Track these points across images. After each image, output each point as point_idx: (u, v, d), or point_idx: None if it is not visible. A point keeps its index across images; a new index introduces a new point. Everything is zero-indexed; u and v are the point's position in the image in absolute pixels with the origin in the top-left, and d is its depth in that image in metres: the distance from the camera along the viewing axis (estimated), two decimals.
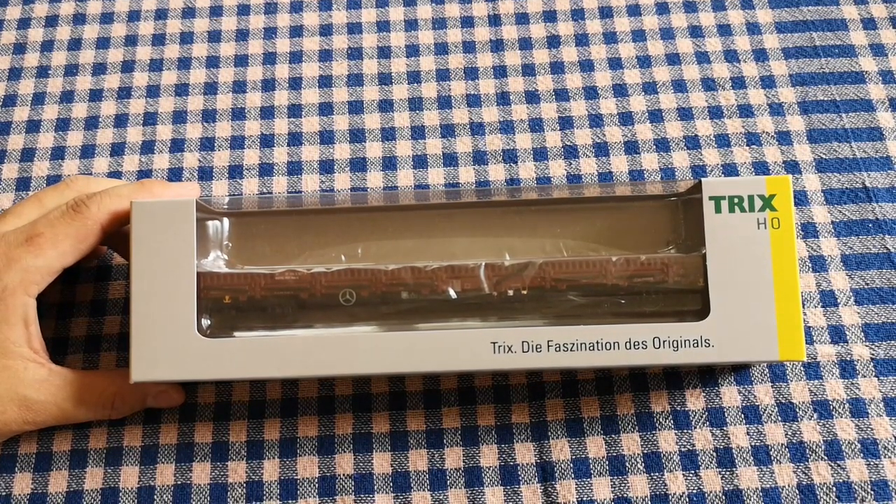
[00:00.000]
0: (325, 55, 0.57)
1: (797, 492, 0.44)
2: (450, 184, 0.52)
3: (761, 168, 0.52)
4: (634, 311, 0.43)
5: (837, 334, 0.47)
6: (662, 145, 0.52)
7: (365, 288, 0.43)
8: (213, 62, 0.57)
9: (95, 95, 0.56)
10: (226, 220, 0.45)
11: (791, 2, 0.57)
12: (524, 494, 0.45)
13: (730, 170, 0.52)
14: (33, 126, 0.54)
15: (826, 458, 0.45)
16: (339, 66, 0.56)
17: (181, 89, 0.56)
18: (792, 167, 0.52)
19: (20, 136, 0.54)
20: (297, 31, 0.58)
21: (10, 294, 0.42)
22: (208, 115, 0.55)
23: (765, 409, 0.46)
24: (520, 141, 0.53)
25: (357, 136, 0.54)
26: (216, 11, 0.58)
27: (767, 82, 0.54)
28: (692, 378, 0.47)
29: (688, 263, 0.43)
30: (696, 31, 0.56)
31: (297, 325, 0.43)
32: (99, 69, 0.56)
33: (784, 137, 0.52)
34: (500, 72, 0.56)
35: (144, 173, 0.53)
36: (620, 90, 0.54)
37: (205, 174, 0.53)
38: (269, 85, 0.56)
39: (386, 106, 0.55)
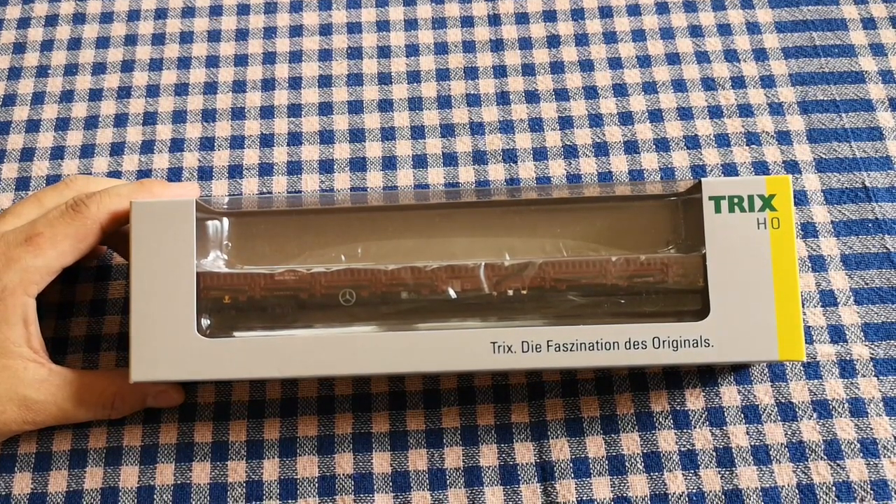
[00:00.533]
0: (325, 55, 0.57)
1: (797, 491, 0.44)
2: (449, 184, 0.52)
3: (761, 168, 0.52)
4: (634, 311, 0.43)
5: (837, 334, 0.47)
6: (662, 145, 0.52)
7: (365, 288, 0.43)
8: (212, 62, 0.57)
9: (95, 95, 0.56)
10: (225, 220, 0.45)
11: (791, 1, 0.57)
12: (524, 494, 0.45)
13: (730, 170, 0.52)
14: (33, 126, 0.54)
15: (826, 457, 0.45)
16: (338, 66, 0.56)
17: (181, 89, 0.56)
18: (792, 167, 0.52)
19: (20, 136, 0.54)
20: (296, 31, 0.58)
21: (10, 294, 0.42)
22: (208, 115, 0.55)
23: (764, 409, 0.46)
24: (520, 141, 0.53)
25: (357, 135, 0.54)
26: (216, 11, 0.58)
27: (767, 82, 0.54)
28: (692, 378, 0.47)
29: (687, 263, 0.43)
30: (695, 31, 0.56)
31: (296, 325, 0.43)
32: (99, 69, 0.56)
33: (784, 137, 0.52)
34: (500, 71, 0.56)
35: (144, 173, 0.53)
36: (620, 90, 0.54)
37: (204, 174, 0.53)
38: (268, 84, 0.56)
39: (386, 106, 0.55)
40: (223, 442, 0.46)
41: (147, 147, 0.54)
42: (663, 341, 0.41)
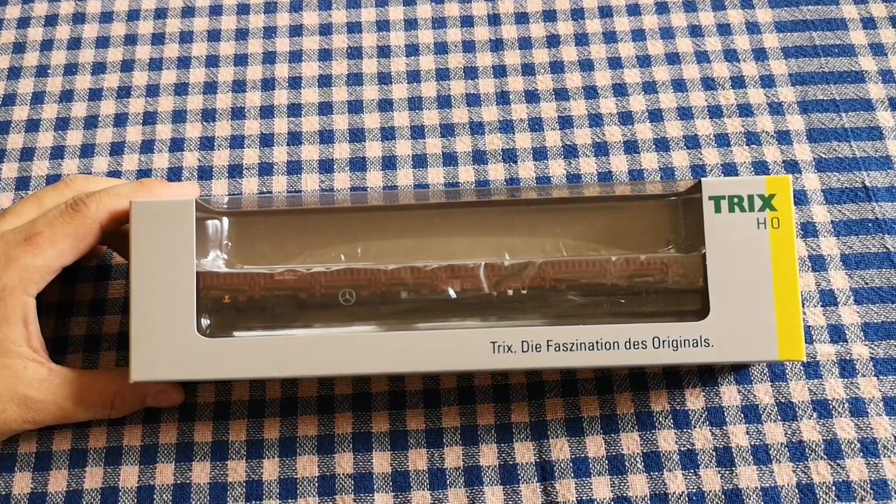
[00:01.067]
0: (325, 54, 0.57)
1: (797, 491, 0.44)
2: (449, 183, 0.52)
3: (761, 167, 0.52)
4: (634, 311, 0.43)
5: (837, 334, 0.47)
6: (662, 145, 0.52)
7: (364, 288, 0.43)
8: (212, 61, 0.57)
9: (95, 95, 0.56)
10: (225, 220, 0.45)
11: (791, 1, 0.57)
12: (524, 494, 0.45)
13: (729, 169, 0.52)
14: (33, 125, 0.54)
15: (825, 457, 0.45)
16: (338, 66, 0.56)
17: (181, 89, 0.56)
18: (792, 167, 0.52)
19: (20, 136, 0.54)
20: (296, 31, 0.58)
21: (10, 293, 0.42)
22: (208, 115, 0.55)
23: (764, 409, 0.46)
24: (519, 140, 0.53)
25: (357, 135, 0.54)
26: (216, 11, 0.58)
27: (767, 82, 0.54)
28: (692, 377, 0.47)
29: (687, 263, 0.43)
30: (695, 31, 0.56)
31: (296, 325, 0.43)
32: (98, 68, 0.56)
33: (784, 137, 0.52)
34: (500, 71, 0.56)
35: (144, 173, 0.53)
36: (620, 90, 0.54)
37: (204, 173, 0.53)
38: (268, 84, 0.56)
39: (385, 105, 0.55)
40: (223, 442, 0.46)
41: (147, 147, 0.54)
42: (663, 341, 0.41)
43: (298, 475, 0.46)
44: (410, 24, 0.58)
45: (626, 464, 0.45)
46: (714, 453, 0.45)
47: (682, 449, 0.45)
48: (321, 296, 0.43)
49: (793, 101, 0.53)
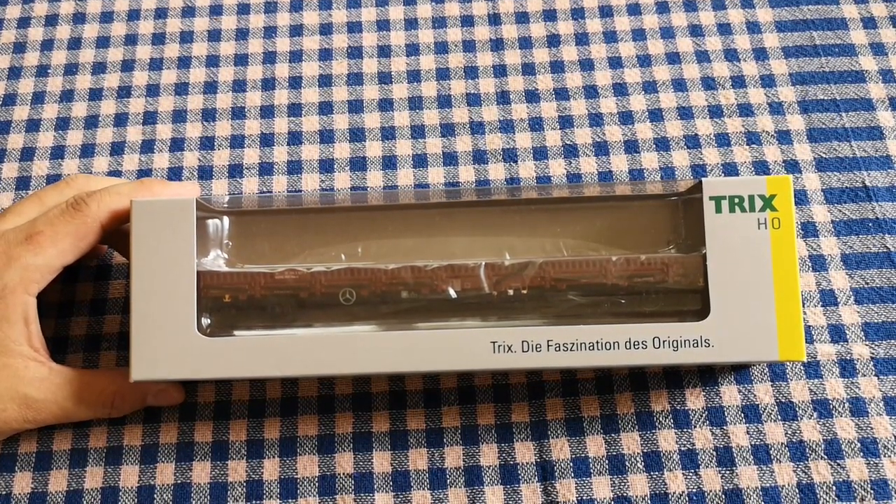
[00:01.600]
0: (325, 54, 0.57)
1: (797, 491, 0.44)
2: (449, 183, 0.52)
3: (761, 167, 0.52)
4: (634, 311, 0.43)
5: (837, 333, 0.47)
6: (662, 144, 0.52)
7: (365, 287, 0.43)
8: (212, 61, 0.57)
9: (95, 94, 0.56)
10: (226, 219, 0.45)
11: (791, 1, 0.57)
12: (524, 493, 0.45)
13: (730, 169, 0.52)
14: (33, 125, 0.54)
15: (826, 457, 0.45)
16: (338, 66, 0.56)
17: (181, 88, 0.56)
18: (792, 166, 0.52)
19: (20, 136, 0.54)
20: (296, 31, 0.58)
21: (11, 293, 0.42)
22: (208, 115, 0.55)
23: (765, 409, 0.46)
24: (520, 140, 0.53)
25: (357, 135, 0.54)
26: (216, 10, 0.58)
27: (767, 81, 0.54)
28: (692, 377, 0.47)
29: (688, 263, 0.43)
30: (696, 31, 0.56)
31: (297, 325, 0.43)
32: (99, 68, 0.56)
33: (784, 137, 0.52)
34: (500, 71, 0.56)
35: (144, 172, 0.53)
36: (620, 89, 0.54)
37: (204, 173, 0.53)
38: (268, 84, 0.56)
39: (386, 105, 0.55)
40: (223, 441, 0.46)
41: (147, 146, 0.54)
42: (663, 341, 0.41)
43: (299, 475, 0.46)
44: (411, 23, 0.58)
45: (627, 463, 0.45)
46: (714, 453, 0.45)
47: (683, 449, 0.45)
48: (321, 295, 0.43)
49: (793, 101, 0.53)
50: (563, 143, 0.53)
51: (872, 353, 0.47)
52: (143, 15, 0.58)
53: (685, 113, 0.53)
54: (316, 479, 0.45)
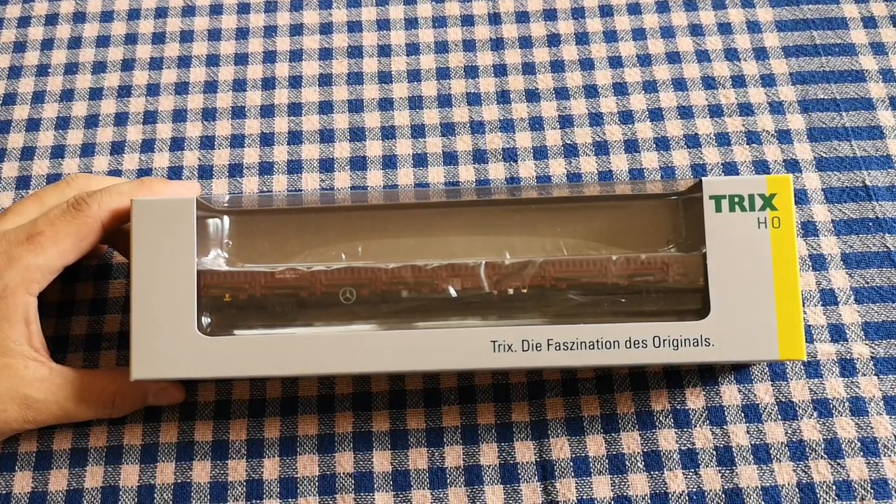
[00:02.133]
0: (325, 53, 0.57)
1: (797, 490, 0.44)
2: (450, 182, 0.52)
3: (761, 167, 0.52)
4: (635, 311, 0.43)
5: (837, 333, 0.47)
6: (662, 144, 0.52)
7: (365, 286, 0.43)
8: (213, 60, 0.57)
9: (95, 94, 0.55)
10: (226, 218, 0.45)
11: (791, 0, 0.57)
12: (524, 493, 0.45)
13: (730, 168, 0.52)
14: (33, 125, 0.54)
15: (826, 456, 0.45)
16: (339, 65, 0.56)
17: (181, 88, 0.56)
18: (792, 166, 0.52)
19: (20, 135, 0.54)
20: (297, 30, 0.58)
21: (12, 293, 0.42)
22: (208, 114, 0.55)
23: (765, 408, 0.46)
24: (520, 139, 0.53)
25: (357, 134, 0.54)
26: (216, 10, 0.58)
27: (768, 81, 0.54)
28: (692, 377, 0.47)
29: (688, 262, 0.43)
30: (696, 30, 0.56)
31: (297, 324, 0.43)
32: (99, 67, 0.56)
33: (784, 136, 0.52)
34: (500, 70, 0.56)
35: (144, 172, 0.53)
36: (620, 89, 0.54)
37: (205, 173, 0.53)
38: (269, 83, 0.56)
39: (386, 104, 0.55)
40: (223, 441, 0.46)
41: (147, 146, 0.54)
42: (664, 340, 0.41)
43: (299, 474, 0.46)
44: (411, 23, 0.58)
45: (627, 463, 0.45)
46: (714, 452, 0.45)
47: (683, 448, 0.45)
48: (322, 294, 0.43)
49: (793, 101, 0.53)
50: (563, 143, 0.53)
51: (872, 353, 0.47)
52: (144, 14, 0.58)
53: (685, 112, 0.53)
54: (316, 479, 0.45)
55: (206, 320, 0.43)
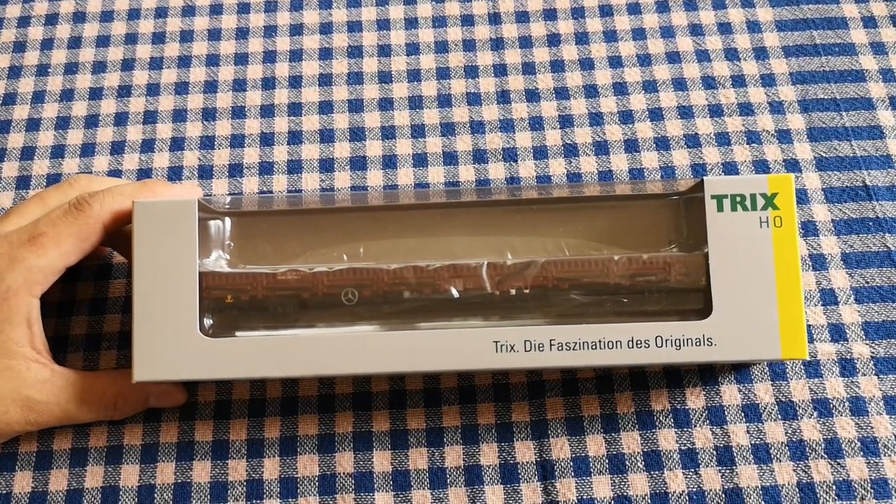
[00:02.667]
0: (325, 53, 0.57)
1: (797, 490, 0.44)
2: (450, 182, 0.52)
3: (761, 166, 0.52)
4: (637, 310, 0.43)
5: (838, 333, 0.47)
6: (662, 144, 0.52)
7: (367, 287, 0.43)
8: (213, 60, 0.57)
9: (95, 94, 0.55)
10: (227, 220, 0.45)
11: (791, 0, 0.57)
12: (524, 493, 0.45)
13: (730, 168, 0.52)
14: (33, 124, 0.54)
15: (826, 456, 0.45)
16: (339, 65, 0.56)
17: (181, 88, 0.56)
18: (792, 165, 0.52)
19: (20, 135, 0.54)
20: (297, 30, 0.58)
21: (14, 295, 0.42)
22: (208, 114, 0.55)
23: (765, 408, 0.46)
24: (520, 139, 0.53)
25: (357, 134, 0.54)
26: (216, 10, 0.58)
27: (768, 80, 0.54)
28: (692, 376, 0.47)
29: (690, 262, 0.43)
30: (696, 30, 0.56)
31: (299, 325, 0.43)
32: (99, 67, 0.56)
33: (784, 136, 0.52)
34: (500, 70, 0.56)
35: (144, 172, 0.53)
36: (621, 88, 0.54)
37: (205, 173, 0.53)
38: (269, 83, 0.56)
39: (386, 104, 0.55)
40: (224, 441, 0.46)
41: (147, 146, 0.54)
42: (666, 340, 0.41)
43: (299, 474, 0.46)
44: (411, 22, 0.58)
45: (627, 463, 0.45)
46: (714, 452, 0.45)
47: (683, 448, 0.45)
48: (323, 295, 0.43)
49: (793, 100, 0.53)
50: (563, 143, 0.53)
51: (873, 353, 0.47)
52: (144, 14, 0.58)
53: (685, 112, 0.53)
54: (316, 479, 0.45)
55: (207, 322, 0.43)
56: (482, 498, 0.45)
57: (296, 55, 0.57)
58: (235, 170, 0.53)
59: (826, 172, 0.51)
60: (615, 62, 0.55)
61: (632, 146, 0.53)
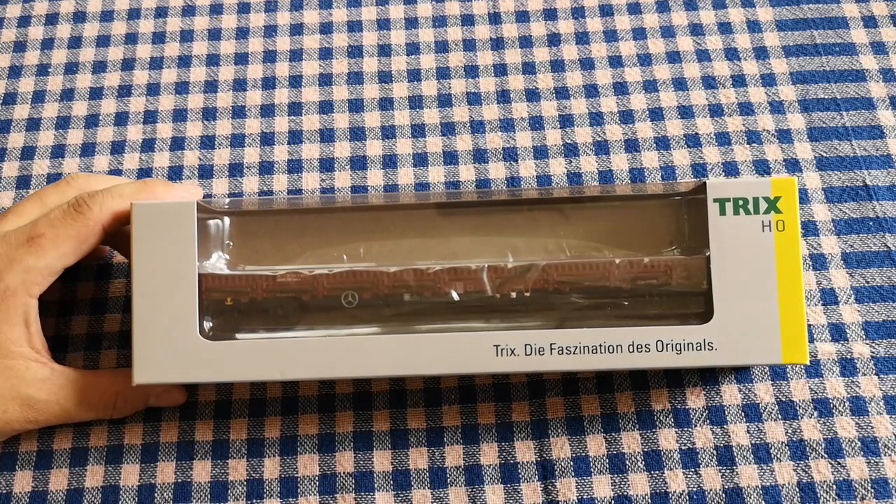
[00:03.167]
0: (326, 53, 0.57)
1: (797, 490, 0.44)
2: (450, 182, 0.52)
3: (762, 166, 0.52)
4: (637, 314, 0.43)
5: (838, 332, 0.47)
6: (663, 143, 0.52)
7: (367, 290, 0.43)
8: (213, 60, 0.57)
9: (96, 93, 0.55)
10: (227, 220, 0.45)
11: (791, 0, 0.57)
12: (524, 492, 0.45)
13: (730, 168, 0.52)
14: (33, 124, 0.54)
15: (826, 456, 0.45)
16: (339, 64, 0.56)
17: (181, 87, 0.56)
18: (792, 165, 0.52)
19: (20, 135, 0.54)
20: (297, 29, 0.58)
21: (12, 295, 0.42)
22: (208, 114, 0.55)
23: (765, 408, 0.46)
24: (520, 139, 0.53)
25: (357, 134, 0.54)
26: (216, 9, 0.58)
27: (768, 80, 0.54)
28: (692, 376, 0.47)
29: (691, 266, 0.42)
30: (696, 29, 0.56)
31: (299, 328, 0.43)
32: (99, 67, 0.56)
33: (784, 135, 0.52)
34: (501, 70, 0.56)
35: (145, 171, 0.53)
36: (621, 88, 0.54)
37: (205, 172, 0.53)
38: (269, 83, 0.56)
39: (386, 104, 0.55)
40: (224, 440, 0.46)
41: (147, 145, 0.54)
42: (667, 344, 0.41)
43: (299, 474, 0.46)
44: (411, 22, 0.58)
45: (627, 462, 0.45)
46: (715, 452, 0.45)
47: (683, 448, 0.45)
48: (323, 298, 0.43)
49: (794, 100, 0.53)
50: (563, 143, 0.53)
51: (873, 352, 0.47)
52: (144, 14, 0.58)
53: (685, 112, 0.53)
54: (316, 478, 0.45)
55: (207, 324, 0.43)
56: (482, 498, 0.45)
57: (296, 55, 0.57)
58: (235, 169, 0.53)
59: (826, 172, 0.51)
60: (615, 62, 0.55)
61: (632, 146, 0.53)
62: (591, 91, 0.54)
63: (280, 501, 0.45)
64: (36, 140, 0.54)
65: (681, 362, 0.41)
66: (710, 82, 0.54)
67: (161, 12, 0.58)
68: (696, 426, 0.46)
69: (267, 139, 0.54)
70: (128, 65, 0.57)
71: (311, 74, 0.56)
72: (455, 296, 0.43)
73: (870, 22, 0.56)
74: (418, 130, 0.54)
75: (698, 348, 0.41)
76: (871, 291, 0.48)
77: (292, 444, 0.46)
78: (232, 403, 0.47)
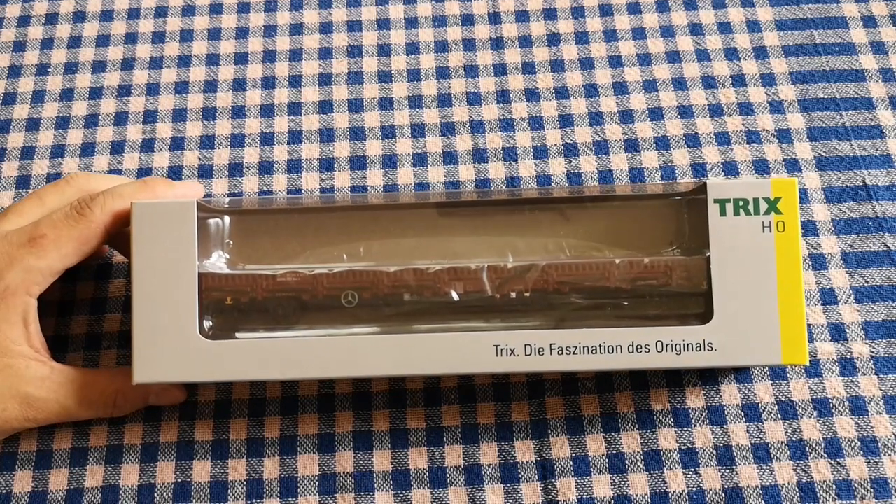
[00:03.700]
0: (325, 53, 0.57)
1: (797, 490, 0.44)
2: (450, 182, 0.52)
3: (761, 166, 0.52)
4: (637, 314, 0.43)
5: (837, 332, 0.47)
6: (662, 143, 0.52)
7: (367, 290, 0.43)
8: (212, 60, 0.57)
9: (95, 93, 0.55)
10: (227, 219, 0.45)
11: (791, 0, 0.57)
12: (524, 492, 0.45)
13: (730, 168, 0.52)
14: (33, 124, 0.54)
15: (826, 455, 0.45)
16: (339, 64, 0.56)
17: (181, 87, 0.56)
18: (792, 165, 0.52)
19: (20, 134, 0.54)
20: (297, 29, 0.58)
21: (12, 294, 0.42)
22: (208, 113, 0.55)
23: (765, 408, 0.46)
24: (520, 139, 0.53)
25: (357, 133, 0.54)
26: (216, 9, 0.58)
27: (768, 80, 0.54)
28: (692, 376, 0.47)
29: (691, 266, 0.42)
30: (696, 29, 0.56)
31: (299, 327, 0.43)
32: (99, 67, 0.56)
33: (784, 135, 0.52)
34: (500, 70, 0.56)
35: (144, 171, 0.53)
36: (621, 88, 0.54)
37: (205, 172, 0.53)
38: (268, 83, 0.56)
39: (386, 104, 0.55)
40: (224, 440, 0.46)
41: (147, 145, 0.54)
42: (666, 345, 0.41)
43: (299, 474, 0.46)
44: (411, 22, 0.58)
45: (627, 462, 0.45)
46: (714, 452, 0.45)
47: (683, 447, 0.45)
48: (323, 297, 0.43)
49: (793, 100, 0.53)
50: (563, 142, 0.53)
51: (872, 352, 0.47)
52: (143, 13, 0.58)
53: (685, 112, 0.53)
54: (316, 478, 0.45)
55: (207, 323, 0.43)
56: (482, 497, 0.45)
57: (296, 55, 0.57)
58: (235, 169, 0.53)
59: (826, 172, 0.51)
60: (615, 62, 0.55)
61: (632, 146, 0.53)
62: (591, 91, 0.54)
63: (280, 501, 0.45)
64: (35, 140, 0.54)
65: (680, 363, 0.41)
66: (709, 82, 0.54)
67: (161, 12, 0.58)
68: (695, 426, 0.46)
69: (267, 139, 0.54)
70: (127, 64, 0.57)
71: (310, 74, 0.56)
72: (455, 296, 0.43)
73: (869, 22, 0.56)
74: (418, 130, 0.54)
75: (698, 349, 0.41)
76: (871, 291, 0.48)
77: (292, 444, 0.46)
78: (232, 403, 0.47)
